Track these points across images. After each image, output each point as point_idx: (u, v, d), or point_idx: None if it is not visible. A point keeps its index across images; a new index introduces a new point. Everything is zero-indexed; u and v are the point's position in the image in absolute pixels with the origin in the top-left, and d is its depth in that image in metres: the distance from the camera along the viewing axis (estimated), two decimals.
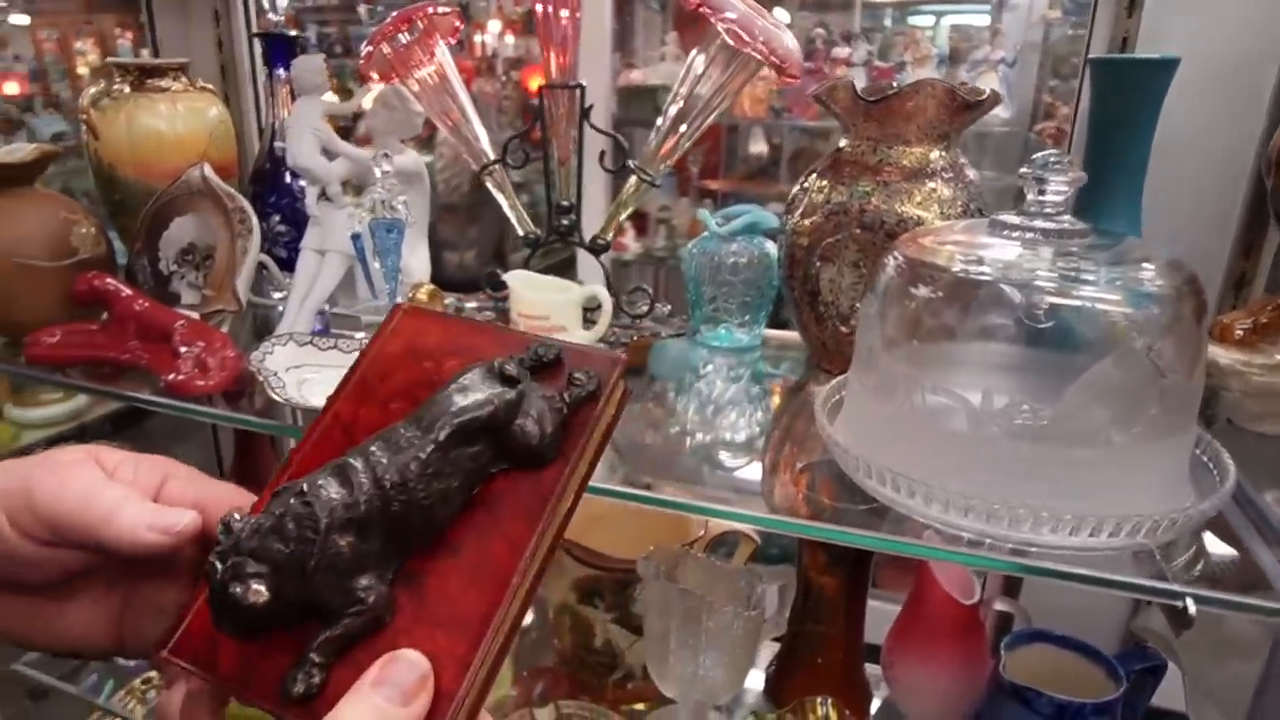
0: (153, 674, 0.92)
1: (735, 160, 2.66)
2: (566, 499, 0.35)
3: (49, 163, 0.90)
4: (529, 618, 0.96)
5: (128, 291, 0.83)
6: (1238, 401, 0.64)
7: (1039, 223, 0.52)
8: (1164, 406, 0.49)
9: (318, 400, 0.67)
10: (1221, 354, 0.64)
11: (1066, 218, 0.52)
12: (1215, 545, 0.52)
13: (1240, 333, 0.65)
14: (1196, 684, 0.75)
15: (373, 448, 0.33)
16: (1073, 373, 0.48)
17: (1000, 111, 2.04)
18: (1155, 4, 0.84)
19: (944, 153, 0.69)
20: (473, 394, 0.34)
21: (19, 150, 0.89)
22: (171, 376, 0.75)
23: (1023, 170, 0.53)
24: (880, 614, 0.85)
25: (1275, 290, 0.85)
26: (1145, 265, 0.51)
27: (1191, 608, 0.46)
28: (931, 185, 0.67)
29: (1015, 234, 0.52)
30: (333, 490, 0.31)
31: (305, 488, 0.31)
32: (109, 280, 0.83)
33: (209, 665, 0.33)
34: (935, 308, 0.51)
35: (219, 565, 0.30)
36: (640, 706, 0.87)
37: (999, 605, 0.83)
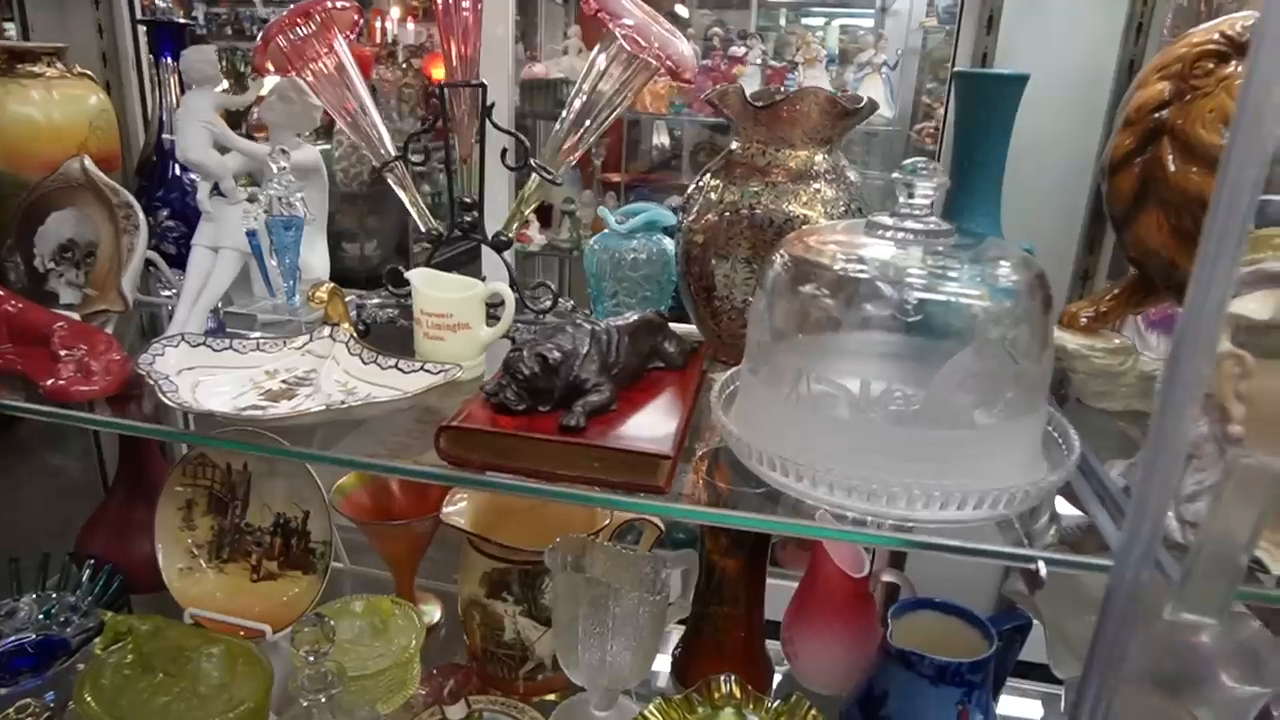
0: None
1: (637, 153, 2.70)
2: (694, 387, 0.70)
3: None
4: (438, 615, 1.02)
5: None
6: (1083, 382, 0.72)
7: (909, 223, 0.57)
8: (1018, 389, 0.54)
9: (213, 404, 0.65)
10: (1069, 339, 0.71)
11: (933, 219, 0.57)
12: (1065, 510, 0.58)
13: (1085, 320, 0.72)
14: (1055, 635, 0.83)
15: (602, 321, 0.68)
16: (941, 360, 0.53)
17: (884, 112, 2.15)
18: (1010, 24, 0.93)
19: (827, 155, 0.73)
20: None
21: None
22: (50, 382, 0.70)
23: (894, 175, 0.58)
24: (782, 591, 0.89)
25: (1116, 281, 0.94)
26: (1001, 263, 0.56)
27: (1043, 570, 0.51)
28: (816, 186, 0.72)
29: (889, 234, 0.57)
30: (593, 324, 0.66)
31: (582, 319, 0.68)
32: None
33: (492, 426, 0.59)
34: (818, 303, 0.55)
35: (527, 339, 0.63)
36: (551, 696, 0.89)
37: (887, 577, 0.88)
